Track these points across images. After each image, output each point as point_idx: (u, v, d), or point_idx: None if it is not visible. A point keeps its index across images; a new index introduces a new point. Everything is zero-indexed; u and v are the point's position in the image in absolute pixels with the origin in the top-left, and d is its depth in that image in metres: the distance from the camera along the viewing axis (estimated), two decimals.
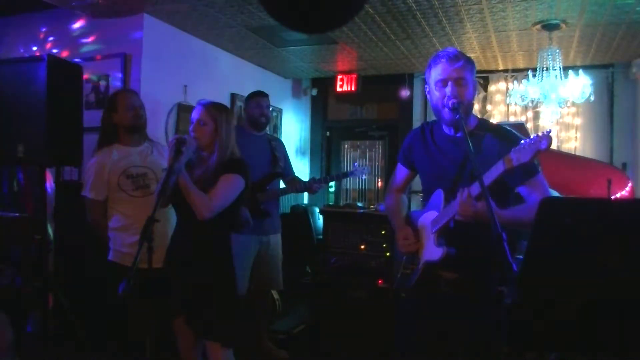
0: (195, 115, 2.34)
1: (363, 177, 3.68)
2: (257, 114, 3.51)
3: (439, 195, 1.91)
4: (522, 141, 1.58)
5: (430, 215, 1.96)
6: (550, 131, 1.54)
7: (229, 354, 2.25)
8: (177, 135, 2.22)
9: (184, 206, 2.24)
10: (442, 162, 1.98)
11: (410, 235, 2.03)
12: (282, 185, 3.73)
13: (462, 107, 1.86)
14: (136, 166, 2.70)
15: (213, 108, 2.36)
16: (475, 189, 1.70)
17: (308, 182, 3.55)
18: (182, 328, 2.30)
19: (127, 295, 1.71)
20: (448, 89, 1.88)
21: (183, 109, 4.37)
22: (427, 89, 2.01)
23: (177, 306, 2.27)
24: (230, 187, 2.28)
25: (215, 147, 2.32)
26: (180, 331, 2.31)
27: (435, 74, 1.92)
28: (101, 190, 2.69)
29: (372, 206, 4.31)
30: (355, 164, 6.17)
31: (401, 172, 2.23)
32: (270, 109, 3.65)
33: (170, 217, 2.67)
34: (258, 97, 3.58)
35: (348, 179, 5.20)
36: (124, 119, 2.74)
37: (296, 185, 3.56)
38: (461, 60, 1.88)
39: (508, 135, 1.89)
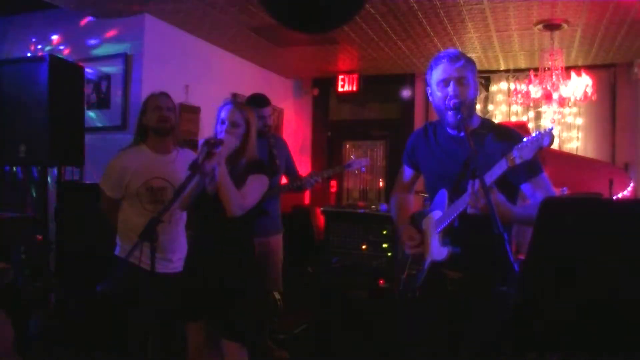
0: (226, 115, 2.27)
1: (363, 169, 3.63)
2: (259, 125, 3.39)
3: (443, 195, 1.92)
4: (525, 139, 1.57)
5: (434, 215, 1.96)
6: (552, 128, 1.54)
7: (245, 354, 2.26)
8: (209, 137, 2.16)
9: (211, 208, 2.22)
10: (446, 161, 1.98)
11: (415, 234, 2.03)
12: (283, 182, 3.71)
13: (464, 106, 1.86)
14: (158, 178, 2.63)
15: (245, 109, 2.32)
16: (486, 180, 1.69)
17: (303, 178, 3.53)
18: (194, 330, 2.29)
19: (107, 293, 1.70)
20: (450, 89, 1.88)
21: (185, 109, 4.37)
22: (429, 91, 2.01)
23: (198, 308, 2.26)
24: (260, 187, 2.28)
25: (244, 148, 2.29)
26: (192, 333, 2.30)
27: (437, 74, 1.93)
28: (118, 191, 2.65)
29: (373, 206, 4.30)
30: (353, 157, 6.16)
31: (406, 173, 2.23)
32: (272, 117, 3.51)
33: (172, 221, 2.67)
34: (258, 107, 3.33)
35: (350, 177, 5.16)
36: (150, 120, 2.66)
37: (294, 183, 3.54)
38: (462, 59, 1.89)
39: (511, 134, 1.89)
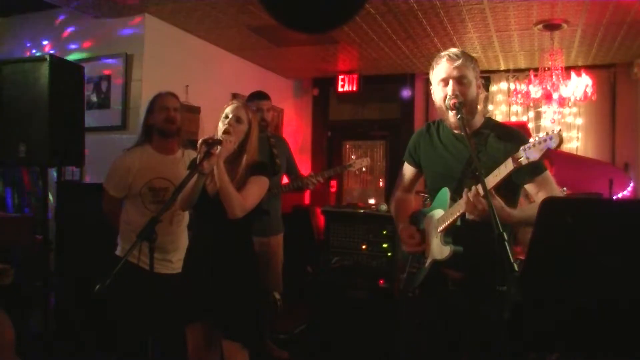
0: (231, 111, 2.28)
1: (364, 169, 3.64)
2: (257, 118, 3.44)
3: (445, 193, 1.92)
4: (531, 139, 1.57)
5: (436, 214, 1.96)
6: (560, 129, 1.54)
7: (246, 355, 2.26)
8: (207, 137, 2.16)
9: (211, 208, 2.23)
10: (448, 160, 1.98)
11: (416, 234, 2.03)
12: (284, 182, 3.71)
13: (464, 106, 1.86)
14: (161, 178, 2.64)
15: (250, 110, 2.35)
16: (492, 180, 1.69)
17: (305, 177, 3.53)
18: (194, 331, 2.29)
19: (103, 293, 1.69)
20: (449, 88, 1.88)
21: (185, 110, 4.36)
22: (432, 89, 2.01)
23: (198, 309, 2.26)
24: (260, 188, 2.29)
25: (245, 148, 2.30)
26: (192, 334, 2.30)
27: (437, 73, 1.94)
28: (120, 190, 2.66)
29: (373, 206, 4.30)
30: (354, 157, 6.16)
31: (407, 171, 2.23)
32: (270, 112, 3.56)
33: (174, 221, 2.66)
34: (258, 100, 3.46)
35: (350, 177, 5.15)
36: (156, 121, 2.66)
37: (295, 182, 3.54)
38: (461, 58, 1.89)
39: (514, 135, 1.89)
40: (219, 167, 2.11)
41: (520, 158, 1.59)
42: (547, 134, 1.54)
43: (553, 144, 1.51)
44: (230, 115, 2.26)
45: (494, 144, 1.89)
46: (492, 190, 1.67)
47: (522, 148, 1.59)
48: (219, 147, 2.12)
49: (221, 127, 2.26)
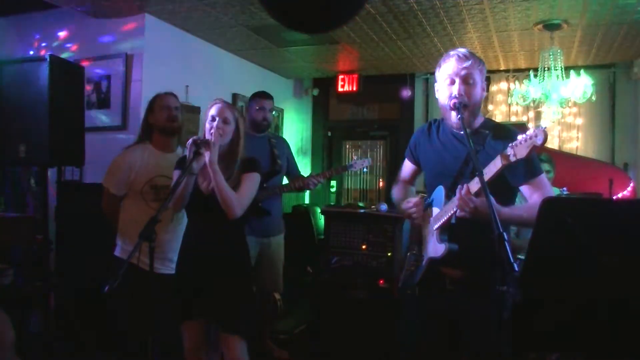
0: (217, 112, 2.30)
1: (365, 170, 3.66)
2: (259, 117, 3.46)
3: (441, 191, 1.92)
4: (519, 137, 1.58)
5: (431, 212, 1.96)
6: (545, 127, 1.55)
7: (245, 347, 2.27)
8: (196, 137, 2.19)
9: (204, 206, 2.25)
10: (446, 158, 1.99)
11: (418, 202, 2.01)
12: (284, 182, 3.71)
13: (466, 106, 1.86)
14: (162, 176, 2.65)
15: (233, 108, 2.39)
16: (474, 184, 1.70)
17: (306, 177, 3.53)
18: (190, 329, 2.30)
19: (112, 292, 1.70)
20: (455, 88, 1.88)
21: (185, 110, 4.36)
22: (436, 87, 2.01)
23: (194, 306, 2.27)
24: (254, 185, 2.32)
25: (236, 148, 2.32)
26: (188, 332, 2.31)
27: (444, 71, 1.94)
28: (122, 188, 2.67)
29: (373, 206, 4.30)
30: (355, 157, 6.16)
31: (407, 167, 2.25)
32: (273, 112, 3.60)
33: (175, 219, 2.67)
34: (261, 99, 3.50)
35: (350, 177, 5.14)
36: (158, 120, 2.70)
37: (296, 182, 3.55)
38: (470, 59, 1.89)
39: (509, 133, 1.89)
40: (214, 170, 2.13)
41: (508, 155, 1.59)
42: (534, 130, 1.54)
43: (539, 141, 1.52)
44: (217, 118, 2.29)
45: (492, 143, 1.89)
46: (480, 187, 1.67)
47: (509, 145, 1.59)
48: (207, 147, 2.15)
49: (209, 128, 2.28)
